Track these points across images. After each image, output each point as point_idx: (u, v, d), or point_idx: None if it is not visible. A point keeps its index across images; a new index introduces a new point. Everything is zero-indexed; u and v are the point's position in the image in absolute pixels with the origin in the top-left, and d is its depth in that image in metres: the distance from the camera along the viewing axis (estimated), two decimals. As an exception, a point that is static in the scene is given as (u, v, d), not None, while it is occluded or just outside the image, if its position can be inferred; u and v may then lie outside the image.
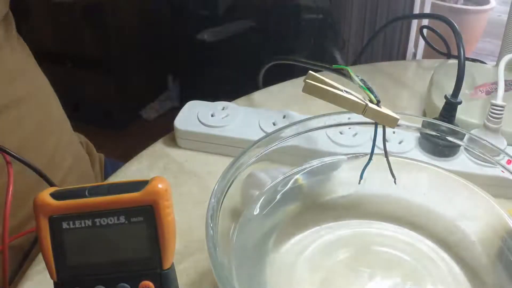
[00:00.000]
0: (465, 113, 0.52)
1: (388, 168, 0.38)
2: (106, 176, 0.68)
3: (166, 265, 0.29)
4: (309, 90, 0.33)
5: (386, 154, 0.37)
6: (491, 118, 0.48)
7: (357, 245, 0.39)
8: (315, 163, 0.42)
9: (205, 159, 0.52)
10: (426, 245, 0.38)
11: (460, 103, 0.50)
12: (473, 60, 0.69)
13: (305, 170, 0.42)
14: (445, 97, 0.51)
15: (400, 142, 0.46)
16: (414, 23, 1.26)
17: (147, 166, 0.51)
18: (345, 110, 0.34)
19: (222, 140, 0.52)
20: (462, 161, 0.44)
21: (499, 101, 0.48)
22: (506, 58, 0.54)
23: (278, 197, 0.40)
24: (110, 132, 1.70)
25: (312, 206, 0.42)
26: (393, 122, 0.36)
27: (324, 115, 0.41)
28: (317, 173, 0.42)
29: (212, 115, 0.53)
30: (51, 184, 0.42)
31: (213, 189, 0.34)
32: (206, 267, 0.40)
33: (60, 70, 1.64)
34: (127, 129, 1.75)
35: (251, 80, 0.64)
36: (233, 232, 0.36)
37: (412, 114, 0.43)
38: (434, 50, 0.74)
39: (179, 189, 0.48)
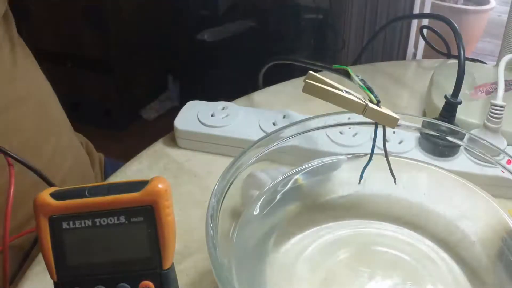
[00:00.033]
0: (465, 113, 0.52)
1: (388, 168, 0.38)
2: (106, 176, 0.68)
3: (166, 265, 0.29)
4: (309, 90, 0.33)
5: (386, 154, 0.37)
6: (491, 118, 0.48)
7: (357, 245, 0.39)
8: (315, 163, 0.42)
9: (205, 159, 0.52)
10: (426, 245, 0.38)
11: (460, 103, 0.50)
12: (473, 60, 0.69)
13: (305, 170, 0.42)
14: (445, 97, 0.51)
15: (400, 142, 0.46)
16: (414, 23, 1.26)
17: (147, 166, 0.51)
18: (345, 110, 0.34)
19: (222, 140, 0.52)
20: (462, 161, 0.44)
21: (499, 101, 0.48)
22: (506, 58, 0.54)
23: (278, 197, 0.40)
24: (110, 132, 1.70)
25: (312, 206, 0.42)
26: (393, 122, 0.36)
27: (324, 115, 0.41)
28: (317, 173, 0.42)
29: (212, 115, 0.53)
30: (51, 185, 0.42)
31: (213, 189, 0.34)
32: (206, 267, 0.40)
33: (60, 70, 1.64)
34: (127, 129, 1.75)
35: (251, 80, 0.64)
36: (233, 232, 0.36)
37: (412, 114, 0.43)
38: (434, 50, 0.74)
39: (179, 189, 0.48)
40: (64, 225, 0.28)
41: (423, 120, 0.42)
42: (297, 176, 0.41)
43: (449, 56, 0.72)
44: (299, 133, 0.40)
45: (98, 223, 0.28)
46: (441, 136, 0.41)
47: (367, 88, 0.35)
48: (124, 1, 1.62)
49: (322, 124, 0.41)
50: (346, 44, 1.39)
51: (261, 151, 0.39)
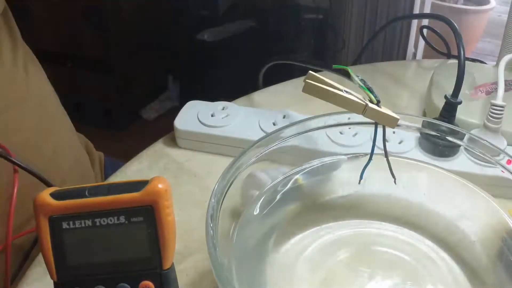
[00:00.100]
0: (465, 113, 0.52)
1: (388, 168, 0.38)
2: (106, 176, 0.68)
3: (166, 265, 0.29)
4: (309, 90, 0.33)
5: (386, 154, 0.37)
6: (491, 118, 0.48)
7: (357, 245, 0.39)
8: (315, 163, 0.42)
9: (205, 159, 0.52)
10: (426, 245, 0.38)
11: (460, 103, 0.50)
12: (473, 60, 0.69)
13: (305, 170, 0.42)
14: (445, 97, 0.51)
15: (400, 142, 0.46)
16: (414, 23, 1.26)
17: (147, 166, 0.51)
18: (345, 110, 0.34)
19: (222, 140, 0.52)
20: (462, 161, 0.44)
21: (499, 101, 0.48)
22: (506, 58, 0.54)
23: (278, 197, 0.40)
24: (110, 132, 1.70)
25: (312, 206, 0.42)
26: (393, 122, 0.36)
27: (324, 115, 0.41)
28: (317, 173, 0.42)
29: (212, 115, 0.53)
30: (50, 186, 0.42)
31: (213, 189, 0.34)
32: (206, 267, 0.40)
33: (60, 70, 1.64)
34: (127, 129, 1.75)
35: (251, 80, 0.64)
36: (233, 232, 0.36)
37: (412, 114, 0.43)
38: (434, 50, 0.74)
39: (179, 189, 0.48)
40: (64, 225, 0.28)
41: (423, 120, 0.42)
42: (297, 176, 0.41)
43: (449, 56, 0.72)
44: (299, 133, 0.40)
45: (98, 223, 0.28)
46: (441, 136, 0.41)
47: (367, 88, 0.35)
48: (124, 1, 1.62)
49: (322, 124, 0.41)
50: (346, 44, 1.39)
51: (261, 151, 0.39)
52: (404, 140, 0.46)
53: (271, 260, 0.37)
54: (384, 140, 0.36)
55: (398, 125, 0.36)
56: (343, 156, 0.43)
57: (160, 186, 0.28)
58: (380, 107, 0.35)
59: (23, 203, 0.43)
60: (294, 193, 0.41)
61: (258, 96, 0.63)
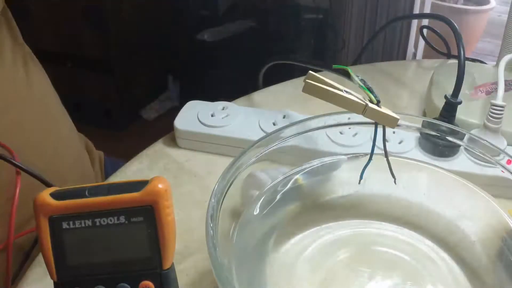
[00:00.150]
0: (465, 113, 0.52)
1: (388, 168, 0.38)
2: (106, 175, 0.68)
3: (166, 265, 0.29)
4: (309, 90, 0.33)
5: (386, 154, 0.37)
6: (491, 118, 0.48)
7: (357, 245, 0.39)
8: (315, 163, 0.42)
9: (205, 159, 0.52)
10: (426, 245, 0.38)
11: (460, 103, 0.50)
12: (473, 60, 0.69)
13: (305, 170, 0.42)
14: (445, 97, 0.51)
15: (400, 142, 0.46)
16: (414, 23, 1.26)
17: (147, 166, 0.51)
18: (345, 110, 0.34)
19: (222, 140, 0.52)
20: (462, 161, 0.44)
21: (499, 101, 0.48)
22: (506, 58, 0.54)
23: (278, 197, 0.40)
24: (110, 132, 1.70)
25: (312, 206, 0.42)
26: (393, 122, 0.36)
27: (324, 115, 0.41)
28: (317, 173, 0.42)
29: (212, 115, 0.53)
30: (50, 186, 0.42)
31: (213, 189, 0.34)
32: (206, 267, 0.40)
33: (60, 70, 1.64)
34: (127, 129, 1.75)
35: (251, 80, 0.64)
36: (233, 232, 0.36)
37: (412, 114, 0.43)
38: (434, 50, 0.74)
39: (179, 189, 0.48)
40: (64, 225, 0.28)
41: (423, 120, 0.42)
42: (297, 176, 0.41)
43: (449, 56, 0.72)
44: (299, 133, 0.40)
45: (98, 223, 0.28)
46: (441, 136, 0.41)
47: (367, 88, 0.35)
48: (124, 1, 1.62)
49: (322, 124, 0.41)
50: (346, 44, 1.39)
51: (261, 151, 0.39)
52: (404, 140, 0.46)
53: (271, 260, 0.37)
54: (384, 140, 0.36)
55: (398, 125, 0.36)
56: (343, 156, 0.43)
57: (160, 186, 0.28)
58: (380, 107, 0.35)
59: (23, 203, 0.43)
60: (294, 193, 0.41)
61: (258, 96, 0.63)
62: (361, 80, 0.35)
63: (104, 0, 1.57)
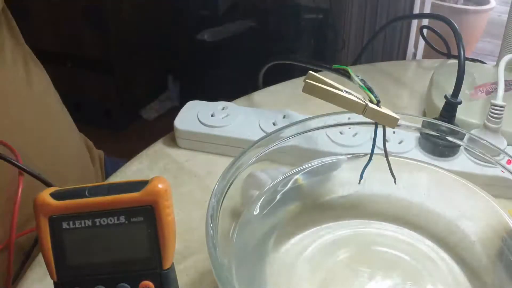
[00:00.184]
0: (465, 113, 0.52)
1: (388, 168, 0.38)
2: (106, 173, 0.69)
3: (166, 265, 0.29)
4: (309, 90, 0.33)
5: (386, 154, 0.37)
6: (491, 118, 0.48)
7: (357, 245, 0.39)
8: (315, 163, 0.42)
9: (205, 159, 0.52)
10: (426, 245, 0.38)
11: (460, 103, 0.50)
12: (473, 60, 0.69)
13: (305, 170, 0.42)
14: (445, 97, 0.51)
15: (400, 142, 0.46)
16: (414, 23, 1.26)
17: (147, 166, 0.51)
18: (345, 110, 0.34)
19: (222, 140, 0.52)
20: (462, 161, 0.44)
21: (499, 101, 0.48)
22: (506, 58, 0.54)
23: (278, 197, 0.40)
24: (110, 132, 1.70)
25: (312, 206, 0.42)
26: (393, 122, 0.36)
27: (324, 115, 0.41)
28: (317, 173, 0.42)
29: (212, 115, 0.53)
30: (50, 186, 0.42)
31: (213, 189, 0.34)
32: (206, 267, 0.40)
33: (60, 70, 1.64)
34: (127, 129, 1.75)
35: (251, 80, 0.64)
36: (233, 232, 0.36)
37: (412, 114, 0.43)
38: (434, 50, 0.74)
39: (179, 189, 0.48)
40: (64, 225, 0.28)
41: (423, 120, 0.42)
42: (297, 176, 0.41)
43: (449, 56, 0.72)
44: (299, 133, 0.40)
45: (98, 223, 0.28)
46: (441, 136, 0.41)
47: (367, 88, 0.35)
48: (124, 1, 1.62)
49: (322, 124, 0.41)
50: (346, 44, 1.39)
51: (261, 151, 0.39)
52: (404, 140, 0.46)
53: (271, 260, 0.37)
54: (384, 140, 0.36)
55: (398, 125, 0.36)
56: (343, 156, 0.43)
57: (160, 186, 0.28)
58: (380, 107, 0.35)
59: (23, 203, 0.43)
60: (294, 193, 0.41)
61: (258, 96, 0.63)
62: (361, 80, 0.35)
63: (104, 0, 1.57)
